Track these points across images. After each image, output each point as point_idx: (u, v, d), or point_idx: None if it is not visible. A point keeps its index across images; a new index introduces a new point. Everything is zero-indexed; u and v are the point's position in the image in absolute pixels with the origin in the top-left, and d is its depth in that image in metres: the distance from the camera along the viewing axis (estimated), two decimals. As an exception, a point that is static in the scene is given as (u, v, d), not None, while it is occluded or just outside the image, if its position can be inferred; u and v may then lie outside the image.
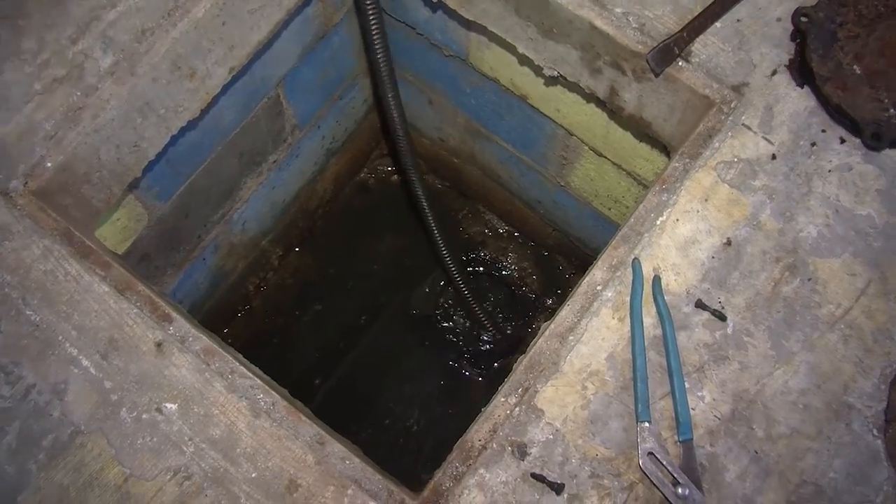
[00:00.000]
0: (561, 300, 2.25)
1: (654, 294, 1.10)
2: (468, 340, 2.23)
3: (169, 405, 1.06)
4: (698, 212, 1.15)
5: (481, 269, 2.34)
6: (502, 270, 2.34)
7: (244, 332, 2.20)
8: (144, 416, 1.06)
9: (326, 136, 2.08)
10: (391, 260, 2.34)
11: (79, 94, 1.21)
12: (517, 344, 2.22)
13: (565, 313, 1.10)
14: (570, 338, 1.08)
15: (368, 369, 2.21)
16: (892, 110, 1.12)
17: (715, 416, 1.04)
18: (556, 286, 2.32)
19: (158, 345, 1.09)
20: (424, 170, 2.46)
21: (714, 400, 1.05)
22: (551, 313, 2.09)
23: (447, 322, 2.25)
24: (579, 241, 2.14)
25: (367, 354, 2.22)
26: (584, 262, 2.20)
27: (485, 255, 2.36)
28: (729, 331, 1.08)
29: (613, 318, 1.09)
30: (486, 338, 2.20)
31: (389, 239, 2.37)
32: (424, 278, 2.29)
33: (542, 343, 1.08)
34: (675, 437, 1.02)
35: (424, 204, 1.78)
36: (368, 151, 2.42)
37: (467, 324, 2.24)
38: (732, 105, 1.20)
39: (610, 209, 1.84)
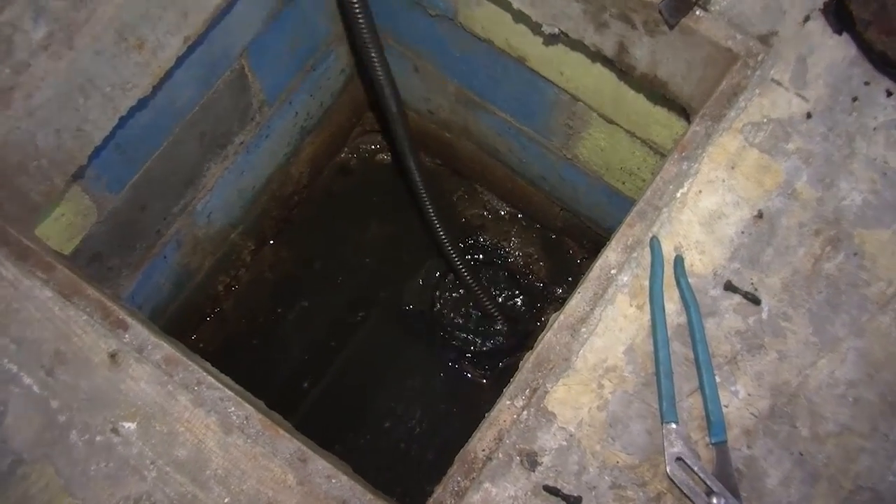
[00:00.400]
0: (572, 288, 2.24)
1: (676, 277, 1.10)
2: (469, 337, 2.24)
3: (126, 424, 1.04)
4: (724, 181, 1.14)
5: (481, 256, 2.35)
6: (505, 257, 2.35)
7: (215, 337, 2.20)
8: (98, 438, 1.04)
9: (300, 112, 2.07)
10: (378, 250, 2.34)
11: (8, 71, 1.18)
12: (524, 340, 2.22)
13: (576, 302, 1.10)
14: (583, 330, 1.08)
15: (358, 374, 2.21)
16: (944, 56, 1.10)
17: (751, 413, 1.03)
18: (566, 273, 2.32)
19: (112, 356, 1.08)
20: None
21: (750, 395, 1.04)
22: (561, 304, 2.08)
23: (445, 317, 2.27)
24: (590, 220, 2.15)
25: (356, 356, 2.23)
26: (596, 244, 2.20)
27: (484, 240, 2.36)
28: (764, 315, 1.07)
29: (631, 305, 1.09)
30: (497, 328, 2.21)
31: (375, 226, 2.37)
32: (417, 269, 2.29)
33: (552, 337, 1.08)
34: (707, 440, 1.02)
35: (418, 180, 1.77)
36: (349, 128, 2.41)
37: (469, 318, 2.25)
38: (759, 58, 1.19)
39: (624, 183, 1.84)
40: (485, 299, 2.11)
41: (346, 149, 2.46)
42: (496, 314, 2.16)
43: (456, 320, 2.25)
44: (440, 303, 2.28)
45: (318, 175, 2.39)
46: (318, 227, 2.36)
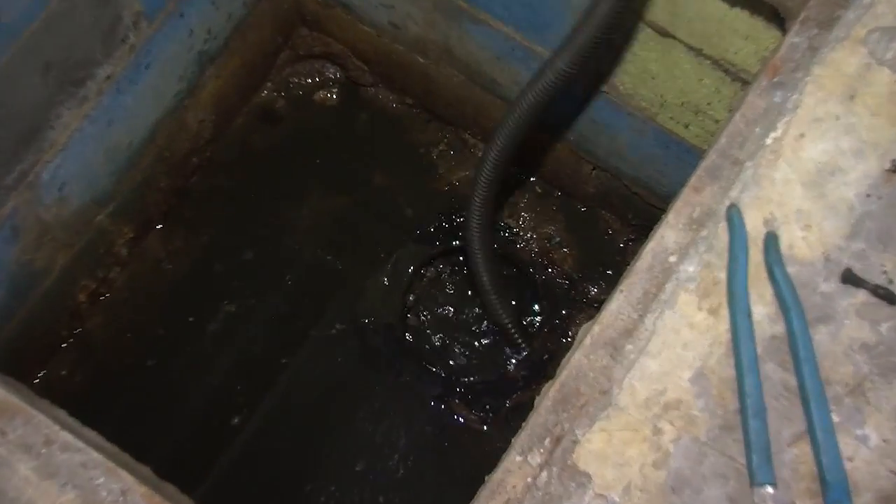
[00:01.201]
0: (611, 286, 2.25)
1: (767, 265, 1.10)
2: (460, 362, 2.24)
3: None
4: (838, 118, 1.14)
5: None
6: (512, 242, 2.34)
7: (76, 371, 2.20)
8: None
9: (197, 29, 2.06)
10: (322, 235, 2.34)
11: None
12: (541, 365, 2.23)
13: (618, 306, 1.10)
14: (629, 348, 1.08)
15: (297, 420, 2.22)
16: None
17: (891, 470, 1.03)
18: (603, 263, 2.33)
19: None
20: (371, 78, 2.46)
21: (885, 442, 1.04)
22: (596, 309, 2.06)
23: (424, 333, 2.25)
24: (637, 184, 2.16)
25: (294, 394, 2.24)
26: (646, 219, 2.21)
27: None
28: (902, 320, 1.07)
29: (700, 309, 1.09)
30: (501, 347, 2.24)
31: (317, 199, 2.38)
32: (382, 262, 2.30)
33: (582, 359, 1.08)
34: (819, 509, 1.02)
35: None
36: (272, 53, 2.41)
37: (459, 334, 2.25)
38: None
39: (687, 126, 1.85)
40: (499, 309, 2.15)
41: (269, 84, 2.45)
42: (513, 329, 2.19)
43: (440, 336, 2.25)
44: (418, 312, 2.26)
45: (229, 124, 2.38)
46: (229, 202, 2.35)
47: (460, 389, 2.23)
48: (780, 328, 1.08)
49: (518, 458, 1.05)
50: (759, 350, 1.07)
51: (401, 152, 2.43)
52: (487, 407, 2.21)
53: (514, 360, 2.24)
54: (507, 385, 2.23)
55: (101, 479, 1.07)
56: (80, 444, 1.08)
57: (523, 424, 1.08)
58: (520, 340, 2.22)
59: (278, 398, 2.23)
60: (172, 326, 2.27)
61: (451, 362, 2.25)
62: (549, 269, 2.32)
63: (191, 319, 2.27)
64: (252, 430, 2.20)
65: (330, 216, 2.37)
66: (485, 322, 2.25)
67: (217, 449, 2.17)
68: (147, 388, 2.22)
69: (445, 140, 2.43)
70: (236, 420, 2.20)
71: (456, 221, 2.34)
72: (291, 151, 2.42)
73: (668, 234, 1.13)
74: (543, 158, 2.30)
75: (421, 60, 2.25)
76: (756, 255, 1.10)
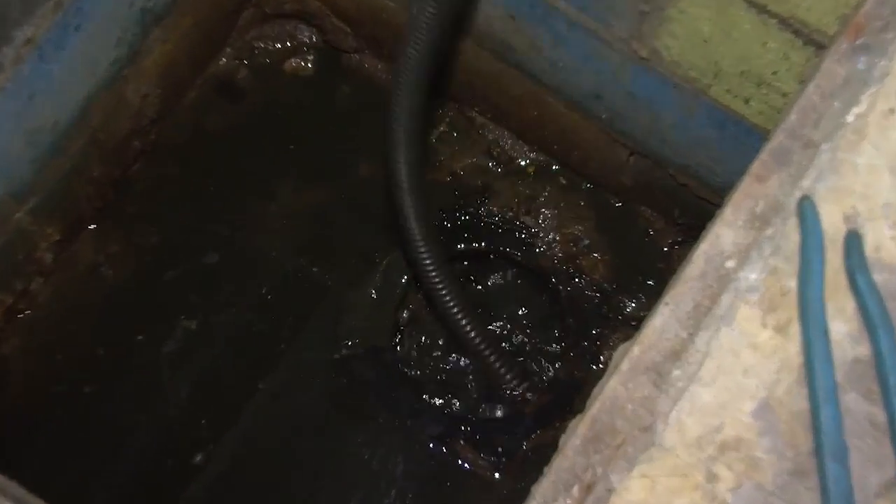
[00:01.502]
0: (652, 299, 2.23)
1: (849, 271, 1.09)
2: (466, 397, 2.24)
3: None
4: None
5: (483, 245, 2.36)
6: (530, 246, 2.35)
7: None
8: None
9: None
10: (296, 236, 2.35)
11: None
12: (567, 398, 2.23)
13: (662, 323, 1.10)
14: (676, 374, 1.08)
15: (267, 460, 2.22)
16: None
17: None
18: (642, 271, 2.34)
19: None
20: (355, 43, 2.45)
21: None
22: (635, 327, 2.05)
23: (421, 359, 2.26)
24: (685, 172, 2.16)
25: (263, 431, 2.24)
26: (696, 216, 2.21)
27: (488, 212, 2.38)
28: None
29: (764, 325, 1.09)
30: (514, 381, 2.22)
31: (289, 191, 2.39)
32: (368, 271, 2.31)
33: (619, 388, 1.08)
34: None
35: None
36: (233, 11, 2.42)
37: (464, 361, 2.26)
38: None
39: (747, 101, 1.85)
40: (485, 351, 2.12)
41: (228, 50, 2.46)
42: (502, 370, 2.17)
43: (441, 363, 2.27)
44: (414, 333, 2.28)
45: (179, 99, 2.39)
46: (180, 197, 2.36)
47: (467, 428, 2.23)
48: (864, 350, 1.08)
49: (540, 511, 1.05)
50: (839, 377, 1.06)
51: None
52: (500, 449, 2.21)
53: (531, 393, 2.23)
54: (525, 422, 2.23)
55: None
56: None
57: (545, 470, 1.07)
58: (514, 384, 2.21)
59: (243, 436, 2.23)
60: (115, 347, 2.28)
61: (454, 394, 2.25)
62: (576, 280, 2.33)
63: (139, 338, 2.28)
64: (212, 475, 2.20)
65: (305, 213, 2.37)
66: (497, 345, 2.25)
67: (172, 497, 2.17)
68: (82, 421, 2.22)
69: (447, 120, 2.44)
70: (198, 459, 2.20)
71: (461, 219, 2.35)
72: (257, 133, 2.42)
73: (724, 234, 1.12)
74: (570, 142, 2.30)
75: (418, 19, 2.24)
76: (834, 260, 1.10)
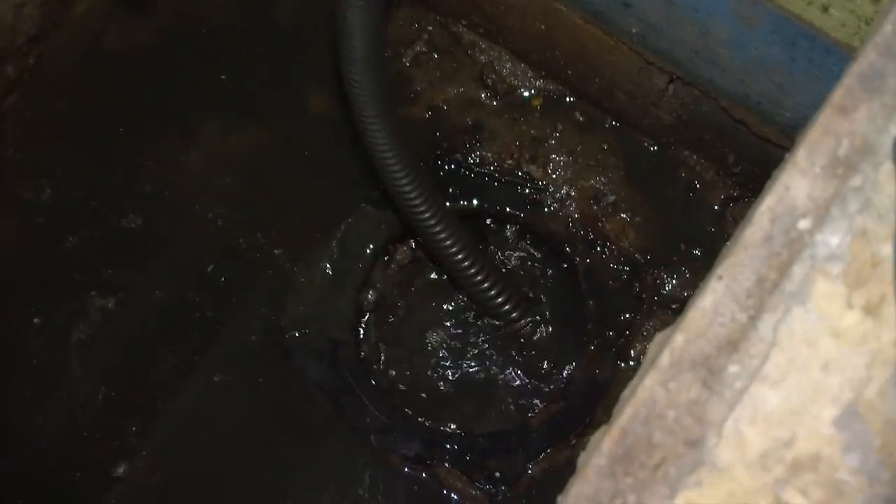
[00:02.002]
0: (698, 274, 2.27)
1: None
2: (453, 405, 2.26)
3: None
4: None
5: (474, 203, 2.37)
6: (537, 204, 2.36)
7: None
8: None
9: None
10: (226, 192, 2.37)
11: None
12: (585, 404, 2.24)
13: (714, 303, 1.10)
14: (732, 370, 1.08)
15: (192, 489, 2.24)
16: None
17: None
18: (685, 237, 2.34)
19: None
20: None
21: None
22: (674, 313, 2.05)
23: (394, 357, 2.28)
24: (742, 105, 2.16)
25: (187, 448, 2.26)
26: (756, 163, 2.22)
27: (480, 160, 2.38)
28: None
29: (850, 305, 1.09)
30: (521, 371, 2.26)
31: (216, 134, 2.40)
32: (322, 239, 2.32)
33: (657, 389, 1.08)
34: None
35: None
36: None
37: (452, 356, 2.28)
38: None
39: (826, 9, 1.84)
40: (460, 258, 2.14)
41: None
42: (492, 292, 2.20)
43: (418, 360, 2.29)
44: (382, 321, 2.30)
45: (68, 11, 2.39)
46: (74, 140, 2.37)
47: (453, 445, 2.24)
48: (978, 338, 1.08)
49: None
50: (948, 373, 1.07)
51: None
52: (498, 474, 2.23)
53: (539, 399, 2.25)
54: (530, 438, 2.25)
55: None
56: None
57: (559, 499, 1.07)
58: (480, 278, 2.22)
59: (166, 448, 2.25)
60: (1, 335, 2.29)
61: (436, 403, 2.27)
62: (598, 248, 2.33)
63: (36, 323, 2.30)
64: (131, 492, 2.23)
65: (238, 163, 2.39)
66: (495, 335, 2.28)
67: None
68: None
69: (425, 36, 2.44)
70: (120, 471, 2.22)
71: (445, 169, 2.36)
72: (173, 57, 2.43)
73: (796, 185, 1.12)
74: (587, 64, 2.31)
75: None
76: (940, 218, 1.10)
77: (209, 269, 2.34)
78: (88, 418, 2.26)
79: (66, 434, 2.25)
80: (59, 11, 2.38)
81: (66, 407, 2.26)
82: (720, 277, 1.11)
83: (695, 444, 1.08)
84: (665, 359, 1.10)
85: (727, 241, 1.14)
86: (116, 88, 2.42)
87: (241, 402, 2.29)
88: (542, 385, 2.27)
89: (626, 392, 1.10)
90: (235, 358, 2.30)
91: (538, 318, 2.27)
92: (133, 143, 2.39)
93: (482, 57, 2.42)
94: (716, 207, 2.35)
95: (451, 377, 2.29)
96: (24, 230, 2.35)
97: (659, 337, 1.11)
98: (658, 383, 1.09)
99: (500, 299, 2.23)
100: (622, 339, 2.29)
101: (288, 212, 2.37)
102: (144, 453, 2.24)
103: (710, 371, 1.09)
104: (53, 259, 2.33)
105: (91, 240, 2.34)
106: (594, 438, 1.09)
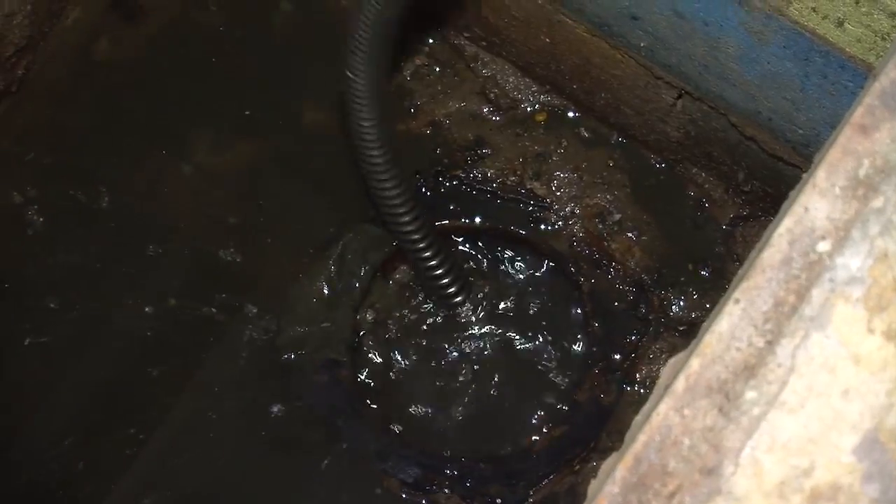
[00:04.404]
0: (708, 296, 2.28)
1: None
2: (453, 429, 2.26)
3: None
4: None
5: (475, 221, 2.37)
6: (539, 222, 2.36)
7: None
8: None
9: None
10: (219, 207, 2.36)
11: None
12: (589, 429, 2.24)
13: (730, 327, 1.10)
14: (749, 396, 1.08)
15: None
16: None
17: None
18: (694, 256, 2.34)
19: None
20: None
21: None
22: (683, 336, 2.05)
23: (392, 378, 2.28)
24: (753, 122, 2.16)
25: (177, 479, 2.24)
26: (768, 182, 2.21)
27: (482, 177, 2.38)
28: None
29: (871, 330, 1.09)
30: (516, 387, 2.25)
31: (208, 146, 2.40)
32: (319, 256, 2.32)
33: (671, 416, 1.07)
34: None
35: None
36: None
37: (450, 379, 2.27)
38: None
39: (841, 24, 1.84)
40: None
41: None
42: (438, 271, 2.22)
43: (417, 382, 2.28)
44: (380, 341, 2.29)
45: (57, 20, 2.38)
46: (62, 150, 2.37)
47: (453, 471, 2.24)
48: None
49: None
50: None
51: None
52: (499, 501, 2.23)
53: (541, 423, 2.25)
54: (532, 463, 2.25)
55: None
56: None
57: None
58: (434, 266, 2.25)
59: (147, 476, 2.24)
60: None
61: (436, 426, 2.27)
62: (603, 268, 2.34)
63: (27, 341, 2.28)
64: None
65: (231, 177, 2.39)
66: (497, 356, 2.27)
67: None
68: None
69: (427, 49, 2.45)
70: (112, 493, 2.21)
71: (446, 185, 2.36)
72: (164, 68, 2.43)
73: (815, 206, 1.11)
74: (593, 79, 2.31)
75: None
76: (964, 240, 1.10)
77: (200, 288, 2.33)
78: (81, 434, 2.25)
79: (29, 465, 2.26)
80: (48, 21, 2.38)
81: (27, 433, 2.26)
82: (737, 301, 1.11)
83: (711, 472, 1.08)
84: (680, 384, 1.09)
85: (737, 261, 1.14)
86: (106, 99, 2.42)
87: (235, 424, 2.27)
88: (545, 409, 2.26)
89: (638, 418, 1.10)
90: (229, 379, 2.30)
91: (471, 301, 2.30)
92: (123, 156, 2.38)
93: (484, 70, 2.43)
94: (725, 227, 2.35)
95: (451, 400, 2.28)
96: (6, 242, 2.35)
97: (672, 361, 1.11)
98: (673, 409, 1.09)
99: (444, 278, 2.24)
100: (628, 362, 2.29)
101: (283, 228, 2.36)
102: (135, 478, 2.23)
103: (726, 397, 1.09)
104: (45, 271, 2.33)
105: (81, 253, 2.34)
106: (605, 465, 1.09)
